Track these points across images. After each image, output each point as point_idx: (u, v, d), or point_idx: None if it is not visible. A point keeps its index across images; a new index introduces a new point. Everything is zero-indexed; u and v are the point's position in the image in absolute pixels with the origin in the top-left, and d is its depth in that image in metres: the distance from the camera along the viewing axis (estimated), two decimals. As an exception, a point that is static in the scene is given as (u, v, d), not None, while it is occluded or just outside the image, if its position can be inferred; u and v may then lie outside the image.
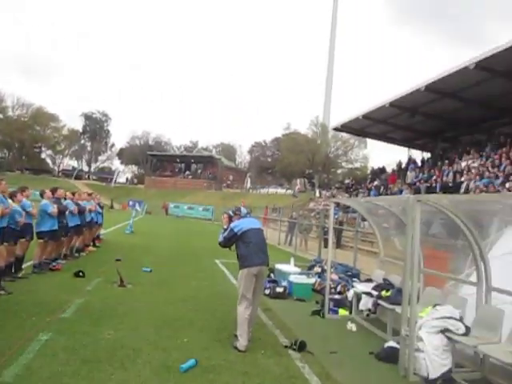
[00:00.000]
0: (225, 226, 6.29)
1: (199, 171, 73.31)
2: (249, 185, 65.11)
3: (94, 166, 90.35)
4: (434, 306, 5.73)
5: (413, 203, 4.86)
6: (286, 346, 5.94)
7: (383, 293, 6.95)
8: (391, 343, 5.87)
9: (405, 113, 22.65)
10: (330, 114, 57.85)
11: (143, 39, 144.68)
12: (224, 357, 5.32)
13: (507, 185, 14.32)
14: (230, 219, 6.34)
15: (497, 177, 15.80)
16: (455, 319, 5.21)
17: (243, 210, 6.44)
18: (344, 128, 29.69)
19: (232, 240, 6.05)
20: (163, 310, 7.31)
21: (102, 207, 15.54)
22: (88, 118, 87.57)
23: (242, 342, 5.64)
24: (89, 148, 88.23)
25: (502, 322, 4.99)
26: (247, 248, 5.90)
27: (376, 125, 26.18)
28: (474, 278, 6.07)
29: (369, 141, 41.65)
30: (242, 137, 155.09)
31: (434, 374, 5.03)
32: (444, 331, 5.17)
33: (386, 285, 7.17)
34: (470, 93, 19.18)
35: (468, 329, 5.14)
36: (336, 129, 31.63)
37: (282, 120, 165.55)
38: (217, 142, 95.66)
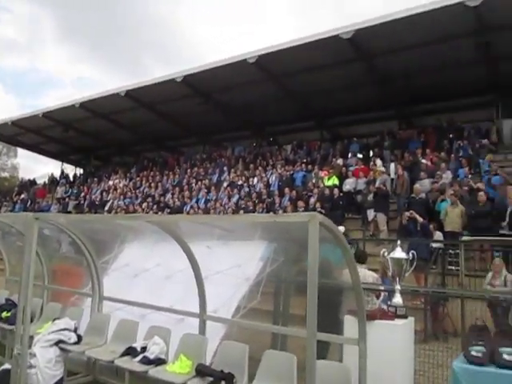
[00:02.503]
0: None
1: None
2: None
3: None
4: (54, 320, 5.99)
5: (31, 221, 4.99)
6: None
7: (4, 314, 6.69)
8: (6, 365, 5.71)
9: (59, 126, 22.39)
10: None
11: None
12: None
13: (144, 205, 16.29)
14: None
15: (137, 197, 17.73)
16: (69, 330, 5.62)
17: None
18: (-10, 132, 26.49)
19: None
20: None
21: None
22: None
23: None
24: None
25: (108, 326, 5.74)
26: None
27: (28, 134, 24.64)
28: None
29: (21, 150, 38.25)
30: None
31: (45, 386, 5.24)
32: (58, 343, 5.48)
33: (8, 305, 6.92)
34: (121, 117, 20.92)
35: (80, 337, 5.64)
36: (-21, 132, 27.80)
37: None
38: None
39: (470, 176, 11.41)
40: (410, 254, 4.61)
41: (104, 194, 19.68)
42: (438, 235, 9.94)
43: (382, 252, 4.81)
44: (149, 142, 23.70)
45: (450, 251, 9.03)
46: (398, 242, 4.76)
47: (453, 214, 9.95)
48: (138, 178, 20.07)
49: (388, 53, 13.75)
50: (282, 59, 14.80)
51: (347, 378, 3.62)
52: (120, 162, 24.84)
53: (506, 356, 4.20)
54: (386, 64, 14.37)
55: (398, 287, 4.54)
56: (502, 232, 9.41)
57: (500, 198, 10.06)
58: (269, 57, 14.82)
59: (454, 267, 8.86)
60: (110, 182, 20.74)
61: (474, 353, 4.32)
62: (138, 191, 18.56)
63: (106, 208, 17.84)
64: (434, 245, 9.32)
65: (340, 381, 3.61)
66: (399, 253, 4.55)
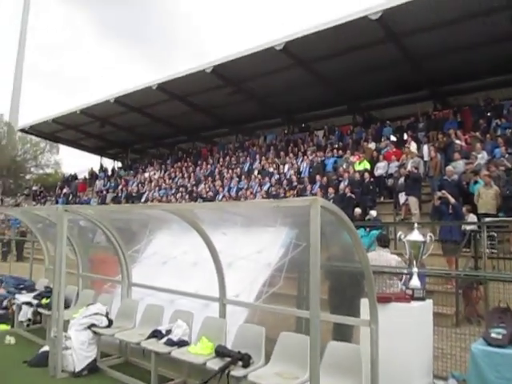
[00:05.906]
0: None
1: None
2: None
3: None
4: (88, 305, 6.32)
5: (61, 213, 5.30)
6: None
7: (43, 300, 7.12)
8: (45, 348, 6.10)
9: (96, 121, 23.15)
10: (18, 114, 52.27)
11: None
12: None
13: (177, 195, 16.67)
14: None
15: (171, 188, 18.15)
16: (101, 314, 5.94)
17: None
18: (33, 130, 27.74)
19: None
20: None
21: None
22: None
23: None
24: None
25: (136, 310, 6.02)
26: None
27: (67, 130, 25.67)
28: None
29: (62, 146, 39.69)
30: None
31: (79, 367, 5.58)
32: (90, 326, 5.80)
33: (47, 292, 7.34)
34: (155, 110, 21.39)
35: (111, 321, 5.94)
36: (23, 130, 29.14)
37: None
38: None
39: (506, 156, 10.93)
40: (428, 237, 4.53)
41: (140, 185, 20.25)
42: (472, 217, 9.64)
43: (398, 235, 4.75)
44: (183, 133, 24.14)
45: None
46: (415, 225, 4.67)
47: (486, 196, 9.61)
48: (172, 170, 20.51)
49: (417, 32, 13.32)
50: (309, 44, 14.63)
51: (358, 359, 3.66)
52: (156, 155, 25.44)
53: (526, 338, 4.11)
54: (416, 43, 13.92)
55: (415, 270, 4.49)
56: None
57: (538, 177, 9.64)
58: (296, 42, 14.70)
59: (488, 250, 8.58)
60: (146, 174, 21.31)
61: (493, 335, 4.24)
62: (172, 182, 18.99)
63: (143, 199, 18.38)
64: (468, 227, 9.05)
65: (351, 360, 3.67)
66: (416, 235, 4.49)
